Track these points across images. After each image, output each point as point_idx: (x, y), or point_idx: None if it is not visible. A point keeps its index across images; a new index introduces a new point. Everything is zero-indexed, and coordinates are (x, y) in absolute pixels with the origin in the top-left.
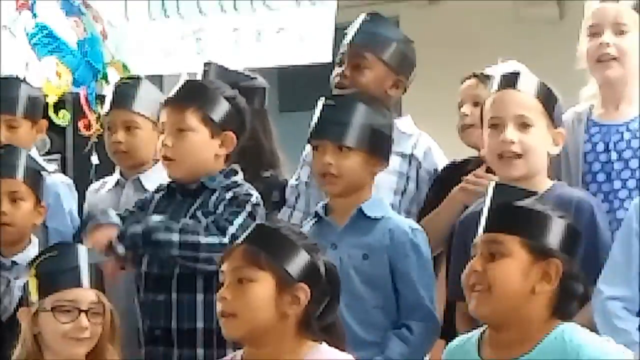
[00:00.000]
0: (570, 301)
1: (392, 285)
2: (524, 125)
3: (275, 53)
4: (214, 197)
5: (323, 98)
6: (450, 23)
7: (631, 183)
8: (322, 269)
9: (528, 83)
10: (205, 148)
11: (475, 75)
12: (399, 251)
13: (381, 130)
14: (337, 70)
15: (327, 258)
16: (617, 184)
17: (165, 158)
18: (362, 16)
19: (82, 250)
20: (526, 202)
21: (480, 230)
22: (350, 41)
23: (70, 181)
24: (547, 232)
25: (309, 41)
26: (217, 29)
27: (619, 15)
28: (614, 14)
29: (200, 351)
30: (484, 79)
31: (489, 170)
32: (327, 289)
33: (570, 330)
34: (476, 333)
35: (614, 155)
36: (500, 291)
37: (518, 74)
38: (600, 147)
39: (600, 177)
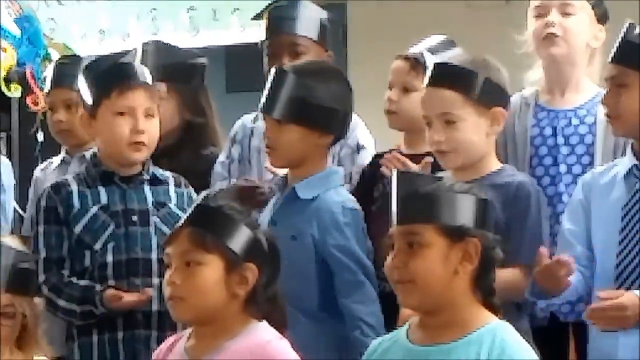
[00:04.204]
0: (491, 270)
1: (316, 270)
2: (449, 122)
3: (231, 33)
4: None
5: (272, 70)
6: (399, 8)
7: (576, 168)
8: (265, 243)
9: (453, 77)
10: None
11: (406, 58)
12: (323, 233)
13: (317, 102)
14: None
15: (267, 230)
16: (562, 168)
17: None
18: (278, 3)
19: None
20: (433, 188)
21: (394, 221)
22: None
23: (8, 162)
24: (459, 212)
25: (264, 21)
26: (172, 8)
27: None
28: None
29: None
30: (415, 64)
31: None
32: (270, 263)
33: (502, 329)
34: (406, 324)
35: (560, 140)
36: (424, 282)
37: (444, 67)
38: (548, 131)
39: (547, 160)
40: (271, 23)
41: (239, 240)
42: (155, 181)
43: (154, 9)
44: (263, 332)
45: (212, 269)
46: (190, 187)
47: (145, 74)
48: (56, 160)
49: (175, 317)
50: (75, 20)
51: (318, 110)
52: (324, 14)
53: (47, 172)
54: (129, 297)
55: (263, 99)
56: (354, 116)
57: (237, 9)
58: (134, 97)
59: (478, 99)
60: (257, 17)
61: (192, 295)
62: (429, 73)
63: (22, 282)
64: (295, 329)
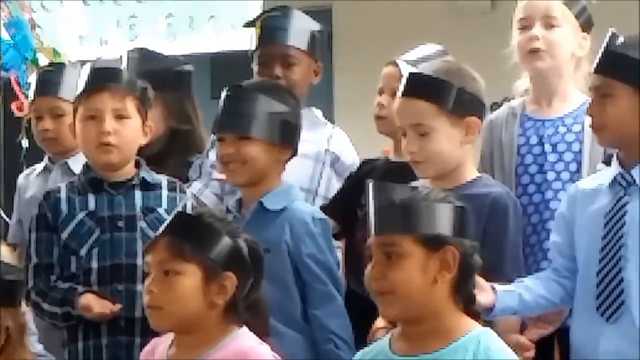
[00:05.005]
0: (470, 278)
1: (294, 279)
2: (422, 133)
3: (207, 40)
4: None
5: (225, 89)
6: (383, 13)
7: (565, 175)
8: (246, 251)
9: (425, 87)
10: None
11: (397, 64)
12: (297, 242)
13: (276, 117)
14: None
15: (248, 236)
16: (550, 175)
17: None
18: (270, 13)
19: None
20: (409, 197)
21: (372, 231)
22: (272, 42)
23: None
24: (436, 221)
25: (240, 29)
26: (151, 15)
27: (549, 9)
28: (544, 8)
29: None
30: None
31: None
32: (251, 270)
33: (486, 336)
34: (389, 334)
35: (547, 148)
36: (404, 292)
37: (417, 78)
38: (534, 140)
39: (533, 169)
40: (263, 33)
41: (218, 249)
42: (147, 186)
43: (134, 16)
44: (244, 340)
45: (190, 278)
46: (187, 192)
47: (116, 76)
48: (39, 167)
49: (154, 326)
50: (56, 25)
51: (277, 124)
52: (315, 25)
53: (30, 179)
54: (98, 310)
55: (220, 119)
56: (345, 137)
57: (213, 16)
58: (100, 99)
59: (452, 110)
60: (249, 25)
61: (169, 305)
62: (403, 82)
63: (6, 294)
64: (277, 341)
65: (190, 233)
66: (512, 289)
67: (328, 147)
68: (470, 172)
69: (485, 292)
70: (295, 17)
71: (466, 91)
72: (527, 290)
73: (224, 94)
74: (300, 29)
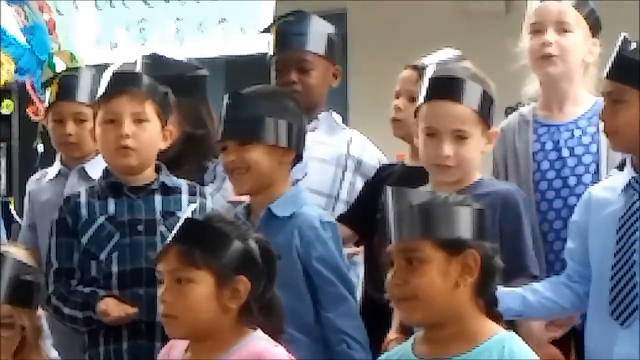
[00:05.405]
0: (492, 280)
1: (305, 284)
2: (460, 138)
3: (217, 43)
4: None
5: (225, 97)
6: (397, 16)
7: (587, 178)
8: (257, 252)
9: (469, 94)
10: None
11: (415, 68)
12: (307, 247)
13: (276, 119)
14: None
15: (259, 236)
16: (572, 181)
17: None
18: (286, 19)
19: (7, 263)
20: (428, 202)
21: (392, 237)
22: (287, 48)
23: None
24: (455, 225)
25: (250, 32)
26: (160, 19)
27: (561, 14)
28: (556, 13)
29: None
30: (423, 74)
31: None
32: (264, 271)
33: (511, 340)
34: (411, 339)
35: (565, 152)
36: (426, 297)
37: (460, 82)
38: (549, 145)
39: (550, 174)
40: (279, 38)
41: (229, 254)
42: (167, 190)
43: (143, 19)
44: (258, 342)
45: (203, 285)
46: (207, 196)
47: (135, 80)
48: (51, 171)
49: (170, 334)
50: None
51: (278, 126)
52: (331, 29)
53: (41, 183)
54: (116, 313)
55: (221, 127)
56: (365, 139)
57: (223, 19)
58: (119, 103)
59: (487, 121)
60: (266, 30)
61: (184, 313)
62: (434, 84)
63: (23, 294)
64: (292, 347)
65: (200, 240)
66: (516, 290)
67: (348, 152)
68: (474, 174)
69: None
70: (311, 22)
71: (494, 105)
72: (533, 292)
73: (224, 102)
74: (316, 33)
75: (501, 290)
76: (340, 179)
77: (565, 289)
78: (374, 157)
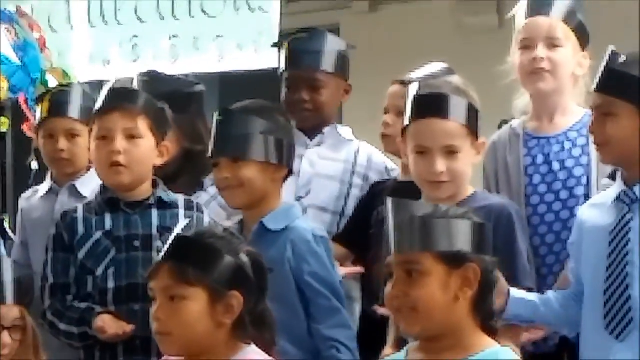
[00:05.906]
0: (490, 294)
1: (298, 298)
2: (451, 153)
3: (213, 59)
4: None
5: (215, 114)
6: (391, 31)
7: (579, 190)
8: (249, 266)
9: (455, 109)
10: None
11: (402, 83)
12: (300, 260)
13: (275, 137)
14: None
15: (250, 249)
16: (564, 194)
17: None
18: (299, 36)
19: (6, 264)
20: (429, 215)
21: (392, 249)
22: (299, 66)
23: None
24: (456, 238)
25: (247, 48)
26: (154, 36)
27: (552, 29)
28: (546, 28)
29: None
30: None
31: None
32: (256, 284)
33: (505, 354)
34: (404, 349)
35: (555, 166)
36: (426, 310)
37: (445, 98)
38: (540, 159)
39: (542, 188)
40: (291, 56)
41: (221, 270)
42: (164, 205)
43: (136, 36)
44: (253, 356)
45: (196, 302)
46: (204, 211)
47: (129, 96)
48: (42, 189)
49: (164, 351)
50: (63, 46)
51: (270, 143)
52: (343, 45)
53: (32, 201)
54: (112, 331)
55: (212, 144)
56: (372, 148)
57: (220, 36)
58: (111, 119)
59: (475, 133)
60: (276, 45)
61: (178, 330)
62: (420, 102)
63: (27, 295)
64: None
65: (192, 257)
66: (529, 298)
67: (355, 167)
68: (468, 188)
69: (498, 298)
70: (323, 40)
71: (476, 110)
72: (545, 303)
73: (215, 119)
74: (328, 51)
75: (515, 296)
76: (345, 196)
77: (574, 305)
78: (380, 168)
